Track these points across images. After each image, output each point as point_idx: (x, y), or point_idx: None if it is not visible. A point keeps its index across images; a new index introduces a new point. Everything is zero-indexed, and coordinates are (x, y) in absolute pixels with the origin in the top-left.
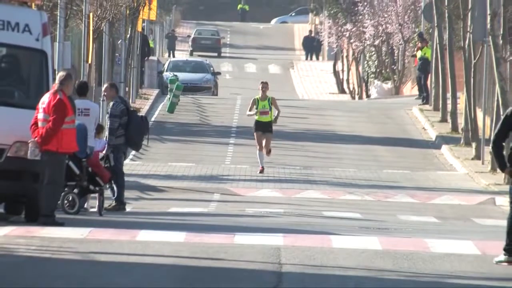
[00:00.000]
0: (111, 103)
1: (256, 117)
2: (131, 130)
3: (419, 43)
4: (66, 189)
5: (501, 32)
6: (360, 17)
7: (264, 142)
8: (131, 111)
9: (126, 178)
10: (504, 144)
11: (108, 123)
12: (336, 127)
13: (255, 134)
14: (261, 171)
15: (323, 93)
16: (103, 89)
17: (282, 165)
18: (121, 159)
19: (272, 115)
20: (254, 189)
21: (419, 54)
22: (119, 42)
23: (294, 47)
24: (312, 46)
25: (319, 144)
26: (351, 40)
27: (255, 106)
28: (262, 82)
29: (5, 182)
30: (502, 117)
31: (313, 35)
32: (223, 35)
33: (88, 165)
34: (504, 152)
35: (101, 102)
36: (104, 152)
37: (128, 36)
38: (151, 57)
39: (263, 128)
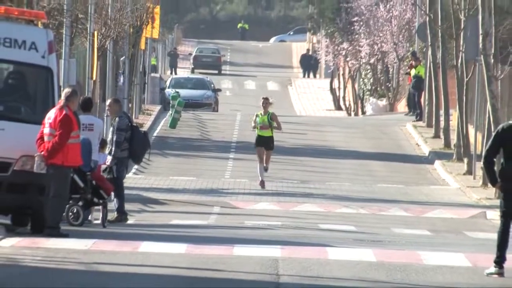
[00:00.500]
0: (117, 118)
1: (257, 132)
2: (135, 145)
3: (413, 62)
4: (70, 201)
5: (493, 52)
6: (356, 36)
7: (264, 157)
8: (134, 126)
9: (128, 191)
10: (495, 160)
11: (115, 137)
12: (333, 142)
13: (256, 148)
14: (261, 184)
15: (320, 109)
16: (107, 104)
17: (280, 179)
18: (123, 172)
19: (272, 130)
20: (252, 202)
21: (413, 72)
22: (121, 59)
23: (292, 65)
24: (309, 64)
25: (316, 159)
26: (347, 59)
27: (256, 121)
28: (263, 98)
29: (12, 195)
30: (493, 134)
31: (310, 53)
32: (223, 53)
33: (92, 179)
34: (495, 168)
35: (105, 117)
36: (107, 163)
37: (131, 53)
38: (153, 74)
39: (264, 144)
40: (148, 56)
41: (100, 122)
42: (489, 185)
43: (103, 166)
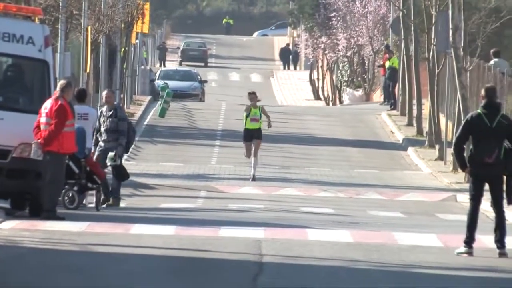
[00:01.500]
0: (115, 108)
1: (245, 125)
2: (130, 135)
3: (386, 54)
4: (66, 186)
5: (462, 45)
6: (334, 30)
7: (253, 149)
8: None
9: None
10: (464, 146)
11: (120, 126)
12: (312, 130)
13: (244, 144)
14: (253, 179)
15: (300, 99)
16: (103, 94)
17: (263, 165)
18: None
19: (261, 123)
20: (237, 187)
21: (387, 64)
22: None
23: (274, 58)
24: (288, 57)
25: (296, 146)
26: (326, 52)
27: (248, 111)
28: (249, 93)
29: (11, 180)
30: (463, 122)
31: (290, 47)
32: (209, 46)
33: (87, 165)
34: (465, 154)
35: (98, 107)
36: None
37: (123, 48)
38: (143, 66)
39: (254, 135)
40: (139, 50)
41: (94, 112)
42: (459, 170)
43: (111, 154)
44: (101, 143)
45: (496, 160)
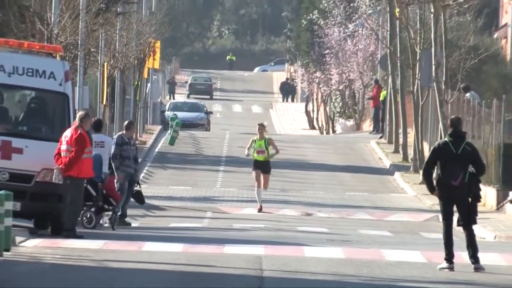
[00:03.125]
0: (132, 137)
1: (254, 156)
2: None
3: (375, 88)
4: (84, 208)
5: (444, 79)
6: (327, 66)
7: (262, 180)
8: None
9: (134, 199)
10: (433, 171)
11: (136, 153)
12: (308, 157)
13: (253, 172)
14: (260, 210)
15: (297, 129)
16: (128, 126)
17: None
18: None
19: (268, 155)
20: (240, 208)
21: (382, 96)
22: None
23: (273, 91)
24: (287, 90)
25: (294, 171)
26: (320, 85)
27: (253, 145)
28: (258, 124)
29: (35, 202)
30: (430, 150)
31: (289, 81)
32: (214, 81)
33: (103, 188)
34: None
35: (114, 136)
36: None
37: (136, 82)
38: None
39: (262, 168)
40: (151, 84)
41: (109, 140)
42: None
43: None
44: (125, 169)
45: (461, 183)
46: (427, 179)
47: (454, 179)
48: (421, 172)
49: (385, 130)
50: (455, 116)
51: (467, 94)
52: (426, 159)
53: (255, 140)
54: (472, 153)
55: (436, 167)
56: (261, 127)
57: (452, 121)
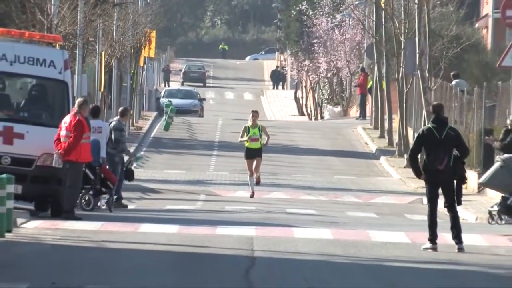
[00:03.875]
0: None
1: (246, 144)
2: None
3: (361, 76)
4: (83, 191)
5: (427, 67)
6: (316, 55)
7: (254, 166)
8: None
9: (130, 183)
10: (418, 157)
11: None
12: (297, 142)
13: (246, 161)
14: (252, 196)
15: (286, 115)
16: (123, 111)
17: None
18: None
19: (261, 142)
20: (232, 191)
21: (369, 85)
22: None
23: (264, 78)
24: (277, 78)
25: (284, 155)
26: (309, 73)
27: (245, 133)
28: (252, 111)
29: (35, 185)
30: (416, 136)
31: (279, 69)
32: (207, 69)
33: (101, 172)
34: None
35: (109, 122)
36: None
37: (132, 70)
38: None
39: (255, 155)
40: (147, 72)
41: (107, 125)
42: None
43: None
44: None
45: (446, 167)
46: (413, 165)
47: (440, 163)
48: (405, 156)
49: (371, 117)
50: (437, 102)
51: (453, 82)
52: (411, 146)
53: (248, 127)
54: (456, 137)
55: (420, 153)
56: (256, 114)
57: (434, 107)
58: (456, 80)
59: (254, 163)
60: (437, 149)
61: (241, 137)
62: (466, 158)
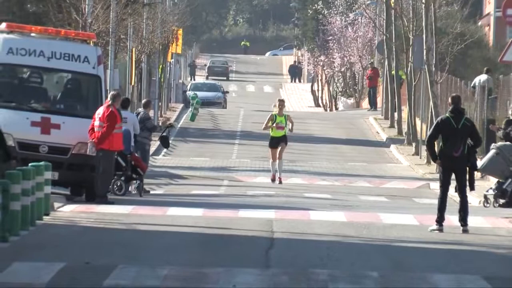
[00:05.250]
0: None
1: (271, 133)
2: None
3: (370, 70)
4: (115, 177)
5: (434, 62)
6: (331, 51)
7: (278, 152)
8: None
9: (158, 169)
10: (435, 143)
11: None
12: (313, 131)
13: (270, 149)
14: (273, 179)
15: (303, 106)
16: (147, 103)
17: None
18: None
19: (286, 131)
20: (253, 177)
21: (379, 82)
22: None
23: (282, 73)
24: (295, 72)
25: (301, 143)
26: (324, 68)
27: (271, 121)
28: (279, 100)
29: (71, 172)
30: (434, 124)
31: (296, 64)
32: (230, 64)
33: (131, 159)
34: (436, 148)
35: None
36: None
37: (161, 65)
38: (179, 80)
39: (280, 142)
40: (174, 67)
41: (133, 116)
42: (432, 162)
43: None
44: (144, 140)
45: (461, 154)
46: (430, 150)
47: (455, 150)
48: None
49: (382, 108)
50: (456, 94)
51: (485, 77)
52: (429, 132)
53: (275, 115)
54: (471, 127)
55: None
56: (282, 103)
57: (453, 98)
58: (489, 76)
59: (279, 149)
60: (454, 137)
61: (266, 124)
62: (479, 147)
